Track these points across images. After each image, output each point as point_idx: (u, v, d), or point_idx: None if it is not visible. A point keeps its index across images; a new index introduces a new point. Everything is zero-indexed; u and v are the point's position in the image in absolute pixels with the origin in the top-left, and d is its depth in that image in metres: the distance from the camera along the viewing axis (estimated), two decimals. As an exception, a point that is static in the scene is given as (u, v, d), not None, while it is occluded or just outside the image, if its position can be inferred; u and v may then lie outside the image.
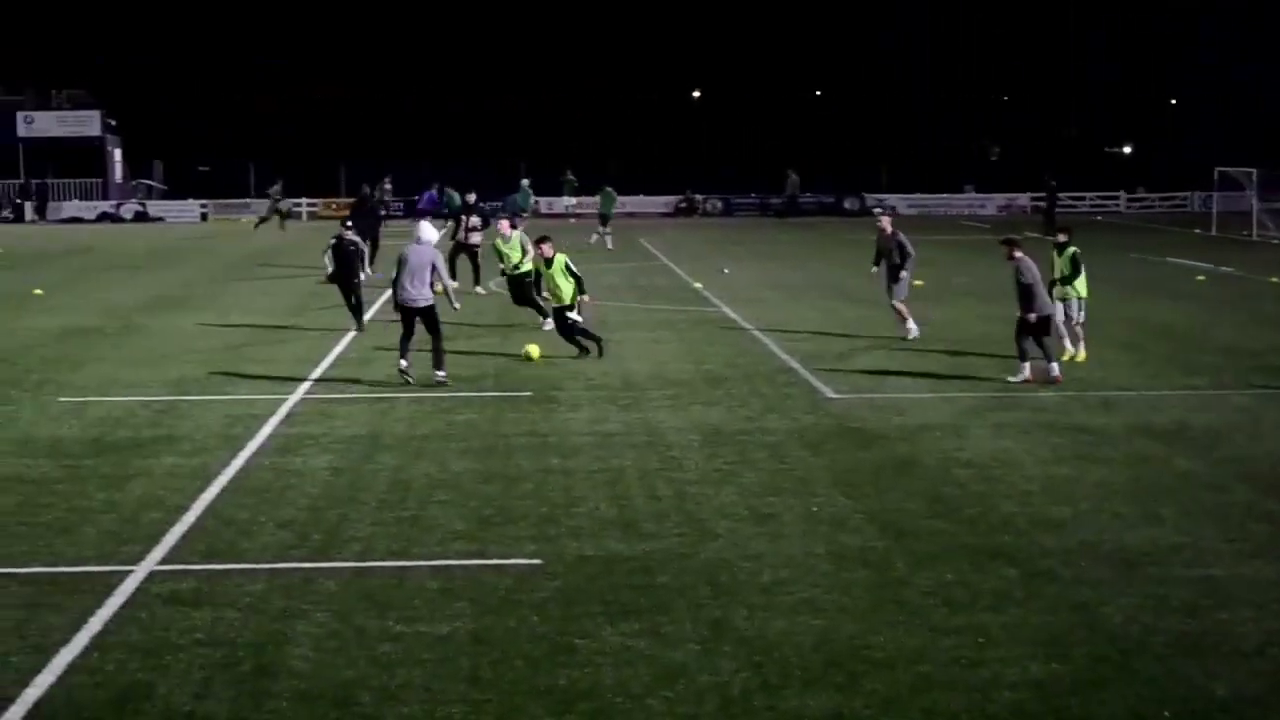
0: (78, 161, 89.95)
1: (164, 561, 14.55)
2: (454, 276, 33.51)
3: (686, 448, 19.74)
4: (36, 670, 11.57)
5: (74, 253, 57.26)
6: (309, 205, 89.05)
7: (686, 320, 33.77)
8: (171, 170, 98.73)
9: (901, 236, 31.06)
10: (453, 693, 11.13)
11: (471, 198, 44.33)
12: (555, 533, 15.55)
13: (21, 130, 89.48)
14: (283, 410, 22.49)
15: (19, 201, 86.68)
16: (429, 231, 25.29)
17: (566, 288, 27.24)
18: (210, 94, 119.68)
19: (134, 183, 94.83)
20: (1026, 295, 24.36)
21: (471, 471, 18.36)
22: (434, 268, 24.78)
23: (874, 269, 31.46)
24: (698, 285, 41.38)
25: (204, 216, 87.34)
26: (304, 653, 11.96)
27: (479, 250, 40.31)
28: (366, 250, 36.62)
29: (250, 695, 11.09)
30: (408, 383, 24.41)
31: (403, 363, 24.67)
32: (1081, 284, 26.63)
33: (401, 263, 24.76)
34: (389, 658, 11.85)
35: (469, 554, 14.79)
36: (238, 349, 28.95)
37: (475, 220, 40.94)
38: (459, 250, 40.32)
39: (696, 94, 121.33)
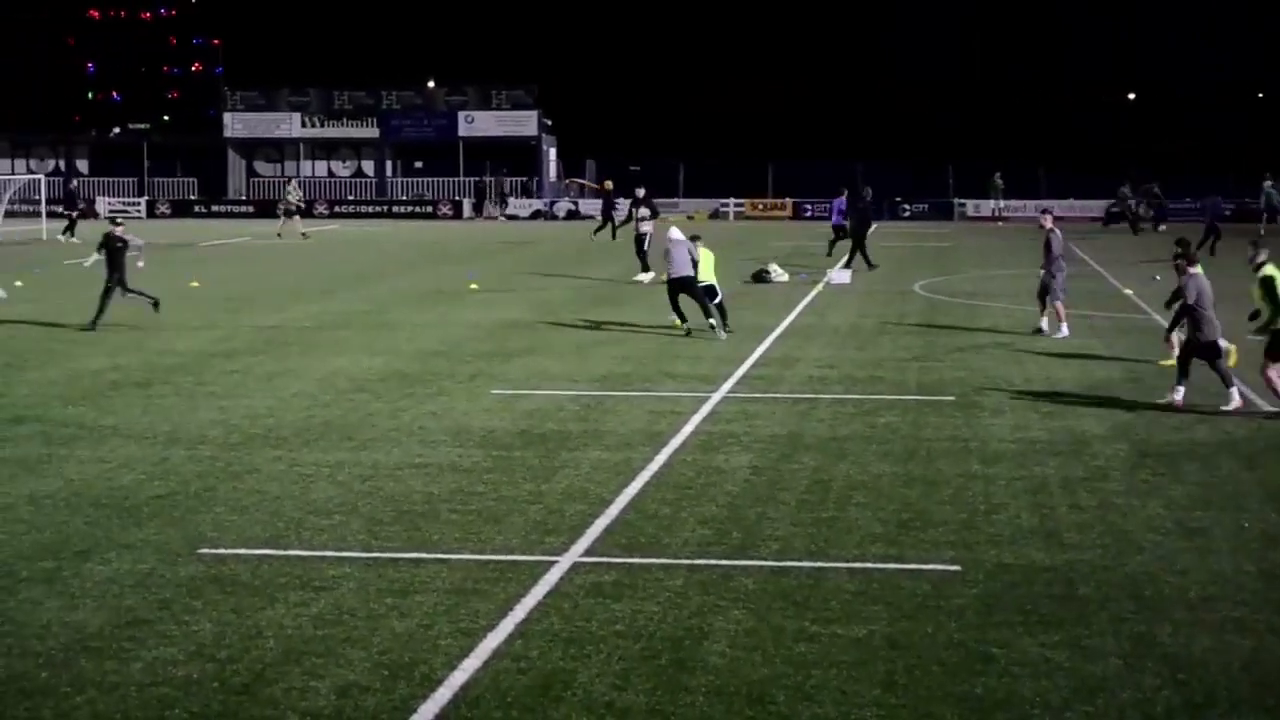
0: (514, 160, 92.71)
1: (587, 553, 14.86)
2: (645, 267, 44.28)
3: (1112, 457, 19.31)
4: (464, 654, 11.93)
5: (509, 249, 58.82)
6: (736, 205, 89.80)
7: (1115, 327, 33.03)
8: (604, 169, 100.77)
9: (1051, 237, 30.36)
10: (867, 696, 11.10)
11: (641, 192, 47.93)
12: (974, 539, 15.38)
13: (463, 130, 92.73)
14: (705, 408, 22.76)
15: (489, 200, 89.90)
16: (678, 232, 32.08)
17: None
18: (643, 94, 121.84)
19: (567, 181, 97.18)
20: (1190, 315, 22.98)
21: (891, 474, 18.30)
22: (689, 253, 31.54)
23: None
24: (1128, 291, 40.43)
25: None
26: (720, 649, 12.08)
27: (647, 239, 45.35)
28: (139, 249, 33.21)
29: (667, 688, 11.24)
30: (687, 333, 30.87)
31: (677, 319, 31.57)
32: None
33: (666, 253, 31.87)
34: (804, 658, 11.88)
35: (887, 557, 14.74)
36: (662, 347, 29.39)
37: (645, 211, 46.21)
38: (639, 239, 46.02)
39: (1131, 96, 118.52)
